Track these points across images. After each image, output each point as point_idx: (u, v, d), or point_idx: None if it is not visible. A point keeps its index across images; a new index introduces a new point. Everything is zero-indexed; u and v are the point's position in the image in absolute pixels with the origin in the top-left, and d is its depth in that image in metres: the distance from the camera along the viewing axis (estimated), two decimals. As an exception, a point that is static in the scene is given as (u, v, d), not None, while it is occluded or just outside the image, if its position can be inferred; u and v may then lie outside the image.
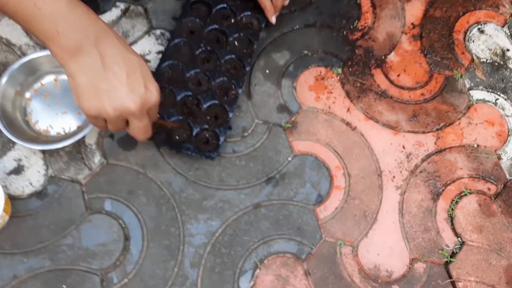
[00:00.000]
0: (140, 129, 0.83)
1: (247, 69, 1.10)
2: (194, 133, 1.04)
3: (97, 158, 1.05)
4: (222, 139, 1.04)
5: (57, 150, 1.04)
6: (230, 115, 1.06)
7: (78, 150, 1.06)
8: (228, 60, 1.11)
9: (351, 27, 1.21)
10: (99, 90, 0.76)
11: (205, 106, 1.06)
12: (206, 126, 1.05)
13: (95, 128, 1.07)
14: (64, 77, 1.10)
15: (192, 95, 1.07)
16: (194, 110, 1.06)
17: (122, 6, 1.19)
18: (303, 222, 1.02)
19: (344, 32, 1.20)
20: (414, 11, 1.23)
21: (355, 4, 1.23)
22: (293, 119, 1.12)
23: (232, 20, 1.14)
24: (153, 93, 0.79)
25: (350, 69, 1.17)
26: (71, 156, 1.05)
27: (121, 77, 0.77)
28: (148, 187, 1.03)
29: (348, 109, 1.13)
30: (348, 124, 1.12)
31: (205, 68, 1.10)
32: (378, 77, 1.16)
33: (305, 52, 1.17)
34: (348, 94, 1.14)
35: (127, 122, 0.82)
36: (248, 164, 1.07)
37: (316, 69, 1.17)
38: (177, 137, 1.04)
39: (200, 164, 1.06)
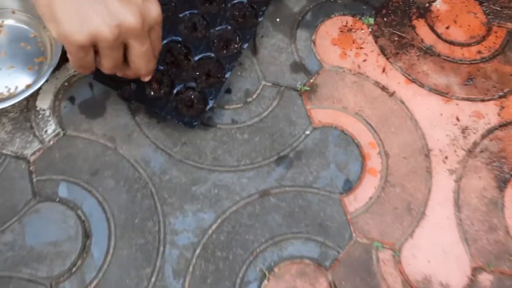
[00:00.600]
0: (143, 55, 0.63)
1: (260, 19, 0.84)
2: (175, 91, 0.78)
3: (51, 128, 0.79)
4: (211, 103, 0.77)
5: (-2, 116, 0.79)
6: (227, 74, 0.79)
7: (26, 117, 0.79)
8: (237, 5, 0.85)
9: (385, -33, 0.94)
10: (85, 4, 0.57)
11: (195, 58, 0.80)
12: (193, 84, 0.78)
13: (49, 87, 0.81)
14: (10, 22, 0.84)
15: (181, 41, 0.81)
16: (180, 61, 0.80)
17: None
18: (327, 217, 0.76)
19: (377, -27, 0.94)
20: (465, -51, 0.97)
21: None
22: (311, 81, 0.85)
23: None
24: (153, 5, 0.62)
25: (385, 19, 0.90)
26: (17, 124, 0.79)
27: None
28: (118, 167, 0.77)
29: (384, 69, 0.87)
30: (383, 88, 0.85)
31: (205, 10, 0.84)
32: (422, 29, 0.90)
33: (327, -4, 0.91)
34: (383, 50, 0.88)
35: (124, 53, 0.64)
36: (253, 138, 0.81)
37: (340, 19, 0.90)
38: (151, 93, 0.78)
39: (189, 138, 0.80)
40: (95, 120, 0.80)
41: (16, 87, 0.79)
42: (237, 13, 0.84)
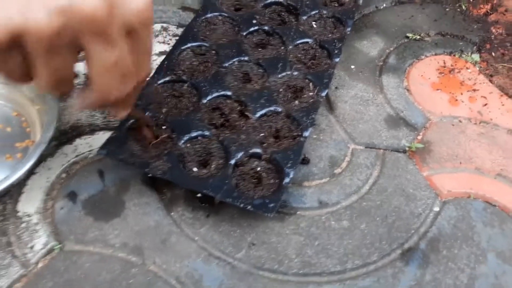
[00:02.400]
0: (110, 68, 0.35)
1: (336, 60, 0.60)
2: (232, 162, 0.50)
3: (40, 242, 0.49)
4: (290, 173, 0.49)
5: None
6: (306, 132, 0.53)
7: (1, 228, 0.49)
8: (302, 46, 0.62)
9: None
10: None
11: (256, 115, 0.54)
12: (258, 150, 0.51)
13: (38, 181, 0.53)
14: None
15: (232, 96, 0.55)
16: (234, 121, 0.54)
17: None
18: None
19: (463, 6, 0.72)
20: (560, -27, 0.78)
21: (465, -27, 0.78)
22: (419, 137, 0.58)
23: None
24: None
25: (493, 54, 0.67)
26: (-15, 241, 0.49)
27: None
28: (150, 294, 0.46)
29: (516, 113, 0.61)
30: (525, 137, 0.59)
31: (258, 55, 0.60)
32: (546, 61, 0.66)
33: (409, 35, 0.68)
34: (504, 90, 0.63)
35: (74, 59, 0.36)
36: (357, 226, 0.51)
37: (435, 59, 0.66)
38: (194, 169, 0.50)
39: (259, 235, 0.50)
40: (110, 224, 0.51)
41: (-12, 184, 0.51)
42: (304, 56, 0.61)
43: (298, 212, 0.52)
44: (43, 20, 0.31)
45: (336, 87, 0.62)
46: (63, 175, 0.54)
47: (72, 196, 0.52)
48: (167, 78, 0.56)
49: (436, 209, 0.53)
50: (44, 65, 0.34)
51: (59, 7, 0.31)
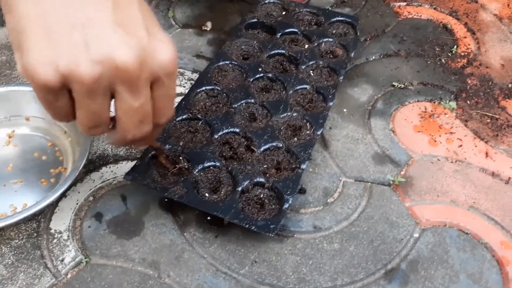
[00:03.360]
0: (133, 112, 0.40)
1: (330, 104, 0.68)
2: (239, 189, 0.57)
3: (69, 255, 0.55)
4: (289, 199, 0.56)
5: (-4, 244, 0.56)
6: (303, 165, 0.60)
7: (35, 243, 0.56)
8: (301, 91, 0.69)
9: (449, 54, 0.82)
10: (62, 28, 0.35)
11: (260, 149, 0.61)
12: (261, 179, 0.58)
13: (68, 203, 0.60)
14: (23, 131, 0.66)
15: (240, 132, 0.63)
16: (241, 154, 0.61)
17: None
18: None
19: (443, 60, 0.80)
20: (528, 33, 0.87)
21: (444, 30, 0.86)
22: (403, 173, 0.65)
23: (306, 46, 0.76)
24: (165, 45, 0.40)
25: (468, 102, 0.74)
26: (22, 254, 0.55)
27: (105, 5, 0.36)
28: (165, 303, 0.52)
29: (487, 154, 0.68)
30: (494, 175, 0.65)
31: (263, 98, 0.68)
32: (514, 109, 0.74)
33: (395, 84, 0.76)
34: (477, 134, 0.70)
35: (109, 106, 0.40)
36: (346, 248, 0.57)
37: (417, 105, 0.74)
38: (206, 195, 0.57)
39: (260, 254, 0.56)
40: (131, 241, 0.57)
41: (25, 205, 0.58)
42: (302, 99, 0.68)
43: (295, 235, 0.58)
44: (88, 68, 0.36)
45: (330, 127, 0.70)
46: (90, 198, 0.61)
47: (98, 216, 0.59)
48: (184, 116, 0.64)
49: (416, 235, 0.59)
50: (83, 109, 0.39)
51: (101, 57, 0.36)
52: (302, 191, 0.62)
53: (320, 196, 0.62)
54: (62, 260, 0.55)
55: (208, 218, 0.58)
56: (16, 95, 0.66)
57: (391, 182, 0.64)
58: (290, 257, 0.56)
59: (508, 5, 0.91)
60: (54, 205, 0.59)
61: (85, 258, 0.55)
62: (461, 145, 0.69)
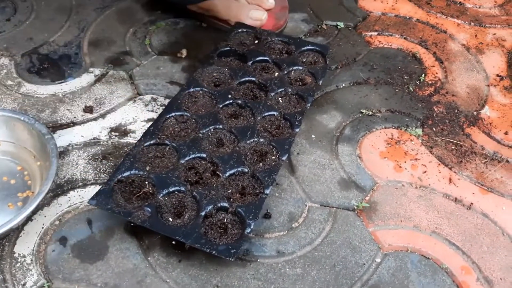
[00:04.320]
0: None
1: (297, 130, 0.69)
2: (202, 213, 0.57)
3: (31, 279, 0.54)
4: (251, 224, 0.56)
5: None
6: (268, 189, 0.60)
7: (-2, 267, 0.56)
8: (269, 118, 0.70)
9: (417, 82, 0.83)
10: None
11: (226, 174, 0.61)
12: (225, 204, 0.58)
13: (34, 227, 0.59)
14: (-6, 155, 0.66)
15: (206, 157, 0.63)
16: (207, 179, 0.61)
17: (96, 71, 0.81)
18: None
19: (411, 88, 0.82)
20: (494, 63, 0.88)
21: (413, 59, 0.88)
22: (367, 198, 0.66)
23: (276, 73, 0.78)
24: None
25: (434, 129, 0.75)
26: (-16, 278, 0.55)
27: None
28: (125, 328, 0.51)
29: (450, 180, 0.69)
30: (457, 200, 0.66)
31: (231, 124, 0.69)
32: (478, 136, 0.75)
33: (363, 111, 0.77)
34: (442, 160, 0.71)
35: None
36: (309, 272, 0.57)
37: (384, 131, 0.75)
38: (170, 219, 0.57)
39: (223, 279, 0.56)
40: (94, 265, 0.56)
41: (-10, 229, 0.57)
42: (269, 126, 0.69)
43: (258, 260, 0.58)
44: None
45: (298, 153, 0.70)
46: (57, 222, 0.60)
47: (62, 240, 0.58)
48: (152, 141, 0.64)
49: (378, 260, 0.59)
50: None
51: None
52: (267, 216, 0.62)
53: (285, 221, 0.62)
54: (24, 285, 0.54)
55: (173, 242, 0.57)
56: (-13, 120, 0.66)
57: (356, 207, 0.64)
58: (252, 281, 0.56)
59: (476, 35, 0.94)
60: (19, 228, 0.59)
61: (47, 282, 0.54)
62: (425, 171, 0.69)
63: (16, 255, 0.57)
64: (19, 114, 0.66)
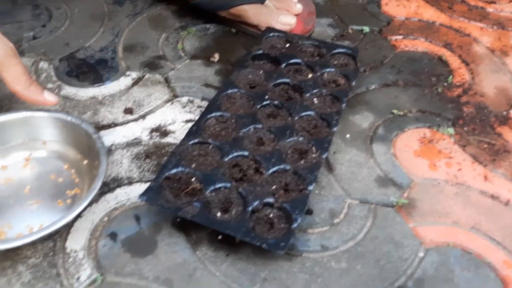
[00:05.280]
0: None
1: (334, 129, 0.70)
2: (249, 208, 0.58)
3: (85, 273, 0.55)
4: (298, 218, 0.57)
5: (13, 263, 0.56)
6: (311, 186, 0.61)
7: (52, 262, 0.56)
8: (306, 117, 0.71)
9: (445, 84, 0.84)
10: None
11: (268, 171, 0.62)
12: (270, 200, 0.59)
13: (83, 223, 0.60)
14: (40, 154, 0.67)
15: (248, 155, 0.64)
16: (250, 176, 0.62)
17: (133, 75, 0.83)
18: None
19: (439, 89, 0.83)
20: (519, 65, 0.89)
21: (439, 61, 0.89)
22: (405, 195, 0.66)
23: (310, 75, 0.79)
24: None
25: (465, 129, 0.76)
26: (38, 272, 0.55)
27: None
28: (178, 320, 0.52)
29: (486, 177, 0.69)
30: (494, 197, 0.67)
31: (270, 123, 0.70)
32: (509, 135, 0.75)
33: (394, 111, 0.78)
34: (476, 158, 0.72)
35: None
36: (353, 267, 0.58)
37: (416, 131, 0.76)
38: (218, 214, 0.58)
39: (271, 272, 0.57)
40: (144, 259, 0.57)
41: (41, 226, 0.58)
42: (307, 125, 0.70)
43: (303, 254, 0.59)
44: None
45: (334, 152, 0.71)
46: (105, 219, 0.61)
47: (112, 236, 0.59)
48: (195, 140, 0.65)
49: (421, 254, 0.60)
50: None
51: None
52: (309, 212, 0.63)
53: (326, 217, 0.63)
54: (78, 278, 0.55)
55: (219, 237, 0.58)
56: (34, 121, 0.67)
57: (394, 204, 0.65)
58: (299, 275, 0.56)
59: (499, 38, 0.95)
60: (70, 225, 0.60)
61: (101, 276, 0.55)
62: (460, 169, 0.70)
63: (68, 250, 0.57)
64: (65, 114, 0.67)
